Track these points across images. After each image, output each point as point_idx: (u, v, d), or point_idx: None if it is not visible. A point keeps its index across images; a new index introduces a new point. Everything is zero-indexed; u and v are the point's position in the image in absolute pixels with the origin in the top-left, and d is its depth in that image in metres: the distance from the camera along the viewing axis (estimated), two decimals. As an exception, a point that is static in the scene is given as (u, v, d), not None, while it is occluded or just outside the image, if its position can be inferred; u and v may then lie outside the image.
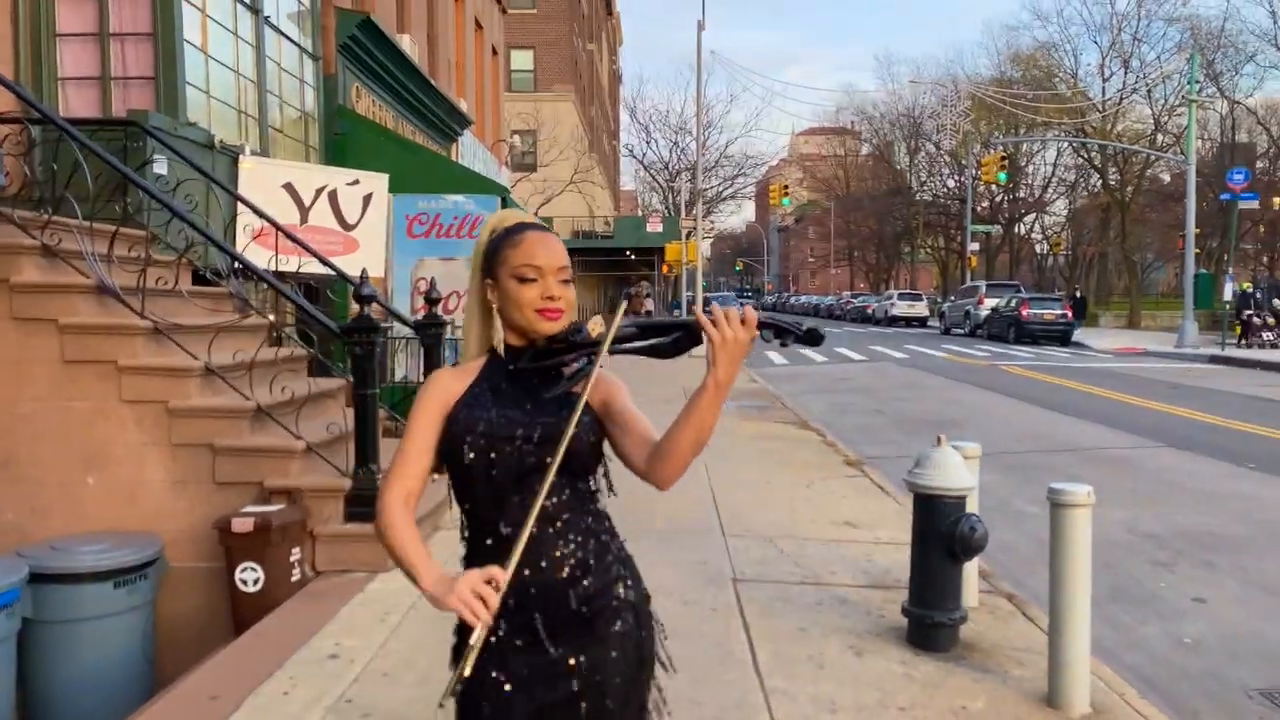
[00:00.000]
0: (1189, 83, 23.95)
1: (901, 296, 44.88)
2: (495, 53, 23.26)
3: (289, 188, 8.29)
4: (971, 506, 4.29)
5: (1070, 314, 28.53)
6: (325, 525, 5.02)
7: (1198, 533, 6.79)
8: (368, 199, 8.73)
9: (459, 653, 1.82)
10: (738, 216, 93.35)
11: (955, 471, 4.17)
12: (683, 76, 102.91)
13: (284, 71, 9.53)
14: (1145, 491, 8.07)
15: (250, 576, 4.61)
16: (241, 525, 4.58)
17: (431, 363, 6.80)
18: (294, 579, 4.76)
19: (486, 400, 1.79)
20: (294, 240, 7.12)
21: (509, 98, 29.69)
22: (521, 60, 41.32)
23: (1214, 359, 22.18)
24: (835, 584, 5.11)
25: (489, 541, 1.78)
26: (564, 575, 1.77)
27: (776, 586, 5.04)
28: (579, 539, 1.79)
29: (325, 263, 7.16)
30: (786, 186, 36.48)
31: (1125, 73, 40.22)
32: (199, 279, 6.64)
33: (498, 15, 23.64)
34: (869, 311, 47.19)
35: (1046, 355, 24.00)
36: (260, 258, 6.90)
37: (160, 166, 6.87)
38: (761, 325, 1.61)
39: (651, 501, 6.46)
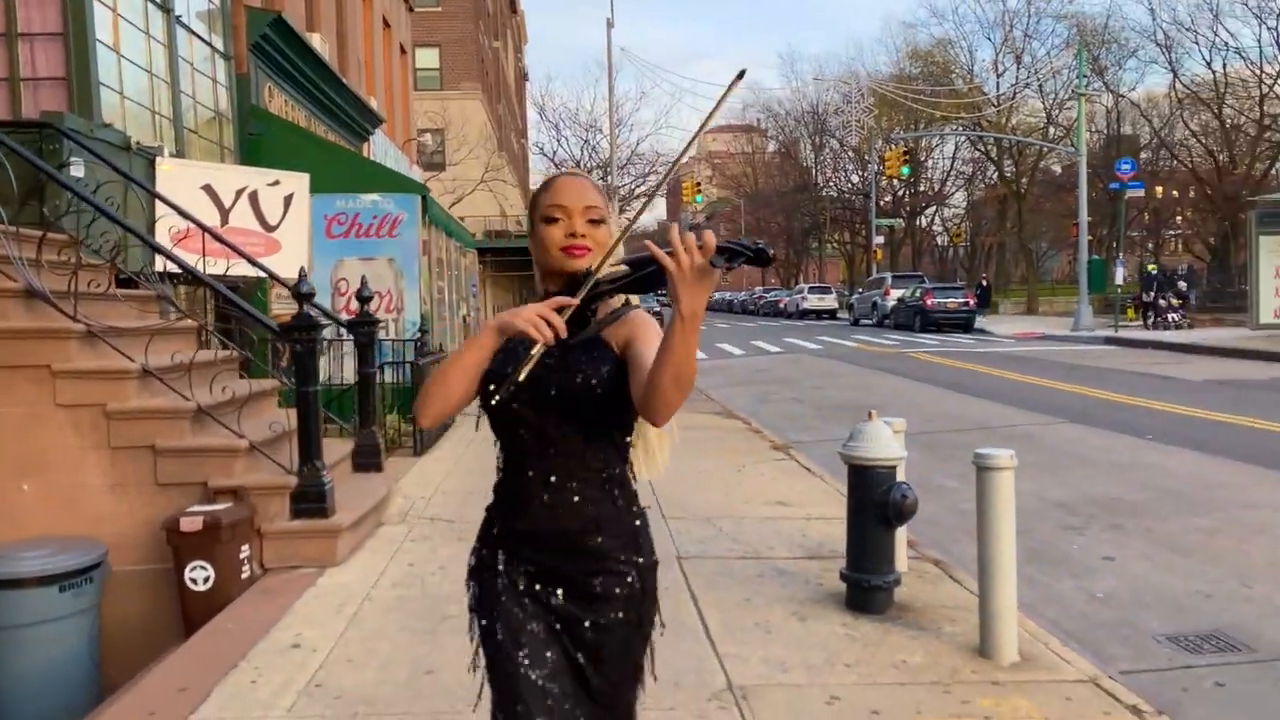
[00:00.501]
0: (1078, 77, 25.11)
1: (812, 290, 45.89)
2: (404, 51, 23.06)
3: (208, 189, 8.18)
4: (901, 476, 4.56)
5: (973, 302, 29.58)
6: (272, 523, 5.04)
7: (1105, 499, 7.23)
8: (289, 199, 8.65)
9: (472, 571, 1.97)
10: (650, 214, 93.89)
11: (886, 443, 4.42)
12: (591, 74, 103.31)
13: (197, 71, 9.38)
14: (1052, 464, 8.53)
15: (200, 575, 4.61)
16: (190, 524, 4.57)
17: (366, 361, 6.81)
18: (244, 576, 4.77)
19: (523, 347, 1.79)
20: (222, 242, 7.05)
21: (416, 96, 29.39)
22: (427, 58, 40.81)
23: (1108, 340, 23.29)
24: (774, 557, 5.34)
25: (517, 479, 1.87)
26: (576, 526, 1.83)
27: (719, 562, 5.25)
28: (595, 494, 1.84)
29: (255, 264, 7.11)
30: (699, 184, 36.92)
31: (1018, 68, 41.84)
32: (121, 283, 6.54)
33: (405, 13, 23.42)
34: (781, 305, 48.09)
35: (951, 342, 24.85)
36: (185, 260, 6.82)
37: (77, 169, 6.73)
38: (717, 250, 1.51)
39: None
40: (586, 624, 1.83)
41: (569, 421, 1.80)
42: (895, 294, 32.72)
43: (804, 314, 43.56)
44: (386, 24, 20.26)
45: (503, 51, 55.49)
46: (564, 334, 1.63)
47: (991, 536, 3.90)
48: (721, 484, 7.28)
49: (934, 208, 56.40)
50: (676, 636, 4.10)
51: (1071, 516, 6.77)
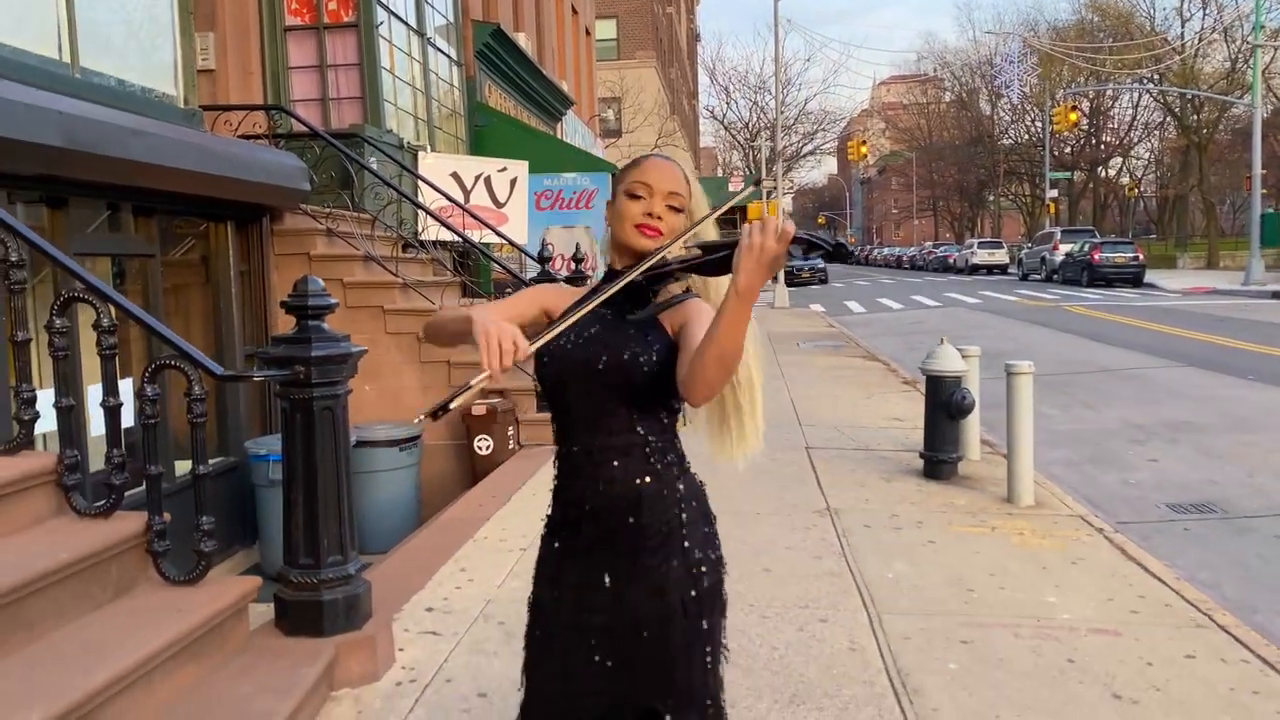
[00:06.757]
0: (1254, 29, 24.75)
1: (981, 245, 45.88)
2: (588, 33, 25.40)
3: (455, 176, 10.62)
4: (969, 384, 6.39)
5: (1142, 256, 29.53)
6: (525, 414, 7.35)
7: (1176, 422, 8.68)
8: (514, 182, 11.00)
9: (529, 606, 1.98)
10: (819, 170, 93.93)
11: (952, 360, 6.27)
12: (760, 36, 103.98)
13: (440, 79, 11.86)
14: (1149, 398, 9.94)
15: (484, 444, 6.97)
16: (479, 410, 6.93)
17: (578, 306, 9.06)
18: (510, 448, 7.11)
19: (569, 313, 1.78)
20: (474, 217, 9.44)
21: (595, 68, 31.75)
22: (605, 30, 42.93)
23: (1276, 294, 23.25)
24: (879, 449, 7.26)
25: (566, 452, 1.91)
26: (620, 504, 1.83)
27: (837, 451, 7.22)
28: (637, 470, 1.84)
29: (499, 234, 9.46)
30: (865, 141, 37.80)
31: (1204, 15, 40.33)
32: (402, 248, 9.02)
33: (589, -2, 25.73)
34: (950, 261, 48.26)
35: (1114, 296, 25.29)
36: (442, 232, 9.25)
37: (374, 165, 9.24)
38: (794, 240, 1.53)
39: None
40: (627, 600, 1.83)
41: (614, 395, 1.82)
42: (1064, 249, 32.88)
43: (974, 269, 43.71)
44: (574, 11, 22.59)
45: (675, 15, 57.35)
46: (507, 370, 1.61)
47: (1016, 417, 5.71)
48: (851, 405, 9.19)
49: (1119, 159, 54.69)
50: (799, 484, 6.15)
51: (1140, 434, 8.30)
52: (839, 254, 1.63)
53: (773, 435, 7.86)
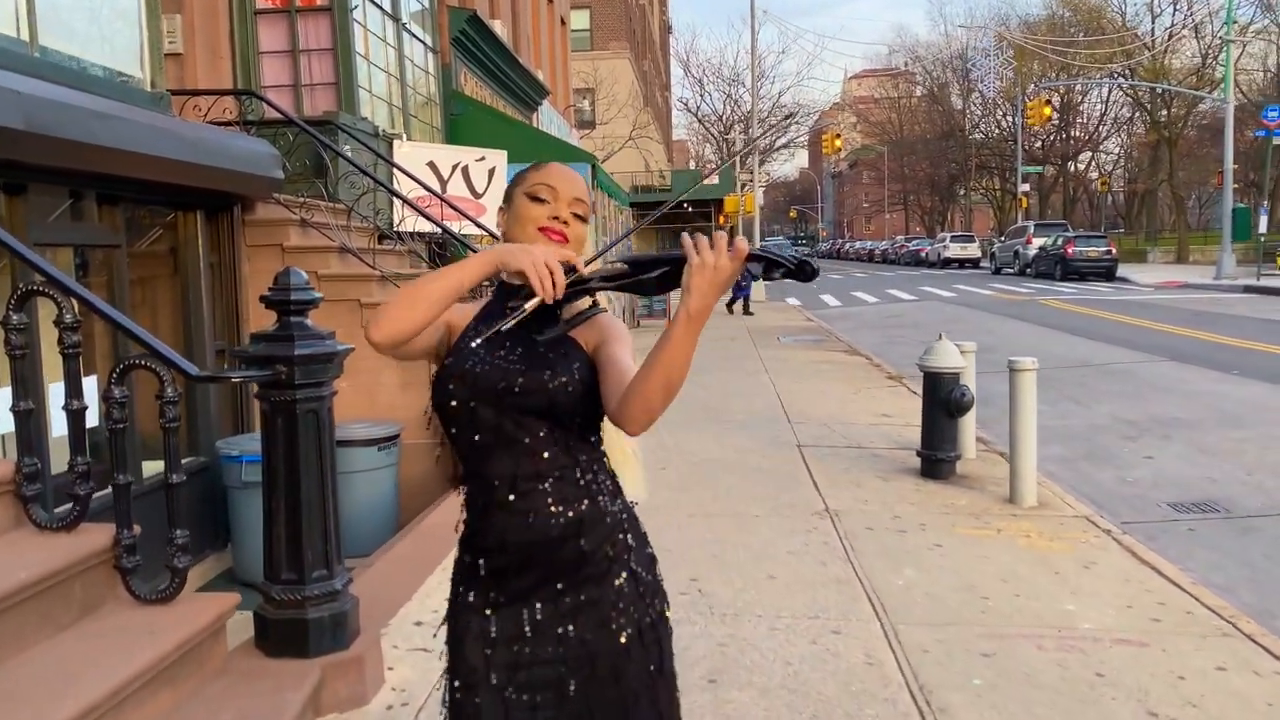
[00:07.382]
0: (1225, 24, 24.90)
1: (954, 239, 46.10)
2: (563, 23, 25.07)
3: (432, 165, 10.32)
4: (966, 380, 6.23)
5: (1114, 250, 29.69)
6: (509, 411, 7.10)
7: (1166, 418, 8.59)
8: (491, 172, 10.73)
9: (448, 614, 1.79)
10: (791, 164, 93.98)
11: (951, 356, 6.10)
12: (734, 28, 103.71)
13: (415, 66, 11.55)
14: (1135, 393, 9.86)
15: (466, 443, 6.72)
16: (460, 408, 6.68)
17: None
18: (493, 446, 6.86)
19: (474, 350, 1.69)
20: (453, 208, 9.16)
21: (570, 59, 31.38)
22: (578, 20, 42.62)
23: (1248, 289, 23.43)
24: (872, 447, 7.09)
25: (479, 489, 1.72)
26: (555, 535, 1.67)
27: (830, 449, 7.03)
28: (572, 495, 1.68)
29: (479, 225, 9.19)
30: (839, 135, 37.73)
31: (1174, 10, 40.63)
32: (380, 239, 8.72)
33: (564, -14, 25.37)
34: (923, 255, 48.44)
35: (1088, 290, 25.39)
36: (420, 222, 8.96)
37: (349, 153, 8.93)
38: (751, 257, 1.45)
39: (730, 401, 8.64)
40: (572, 640, 1.68)
41: (536, 419, 1.67)
42: (1037, 243, 33.02)
43: (946, 263, 43.91)
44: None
45: (648, 6, 57.02)
46: (561, 294, 1.54)
47: (1019, 415, 5.56)
48: (839, 401, 9.02)
49: (1089, 153, 55.09)
50: (794, 483, 5.96)
51: (1132, 430, 8.20)
52: (802, 272, 1.47)
53: (764, 432, 7.73)
